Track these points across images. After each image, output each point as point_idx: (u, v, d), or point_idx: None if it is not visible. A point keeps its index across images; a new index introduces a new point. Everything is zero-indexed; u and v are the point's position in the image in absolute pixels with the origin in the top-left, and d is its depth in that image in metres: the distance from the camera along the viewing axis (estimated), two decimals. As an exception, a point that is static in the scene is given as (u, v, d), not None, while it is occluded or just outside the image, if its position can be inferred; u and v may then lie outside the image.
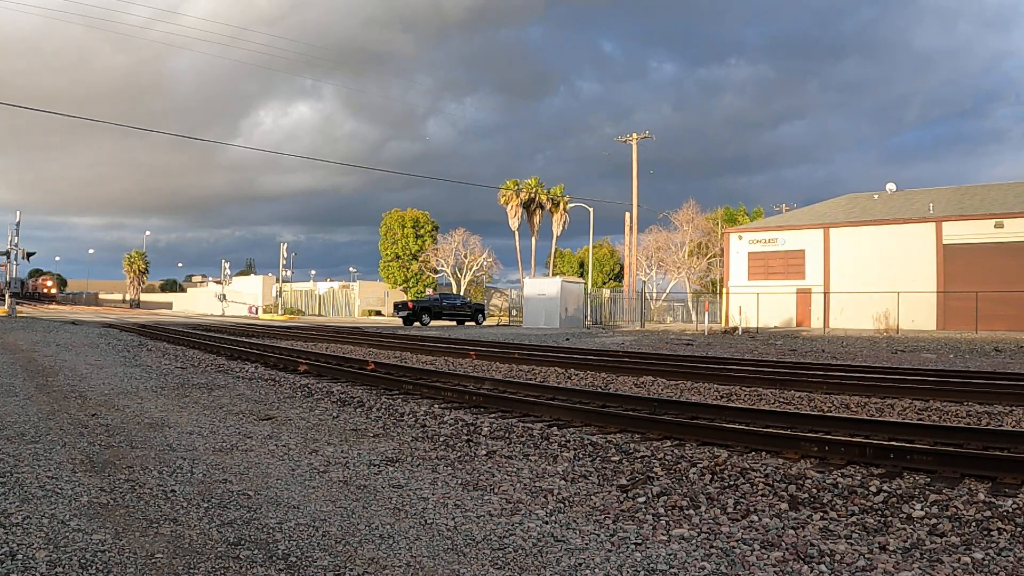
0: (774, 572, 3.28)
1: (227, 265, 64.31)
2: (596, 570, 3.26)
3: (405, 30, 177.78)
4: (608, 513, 4.16)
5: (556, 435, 6.39)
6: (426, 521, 3.93)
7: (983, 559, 3.43)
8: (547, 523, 3.94)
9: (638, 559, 3.40)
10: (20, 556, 3.21)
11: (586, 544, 3.60)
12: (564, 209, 57.10)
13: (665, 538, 3.73)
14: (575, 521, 4.00)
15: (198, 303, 74.60)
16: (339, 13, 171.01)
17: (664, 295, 54.81)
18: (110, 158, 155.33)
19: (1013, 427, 7.29)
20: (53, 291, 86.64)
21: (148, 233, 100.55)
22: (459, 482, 4.81)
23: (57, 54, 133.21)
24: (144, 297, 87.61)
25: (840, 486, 4.65)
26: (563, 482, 4.87)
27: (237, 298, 66.00)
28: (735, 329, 32.30)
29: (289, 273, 55.99)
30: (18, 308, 36.37)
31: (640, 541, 3.66)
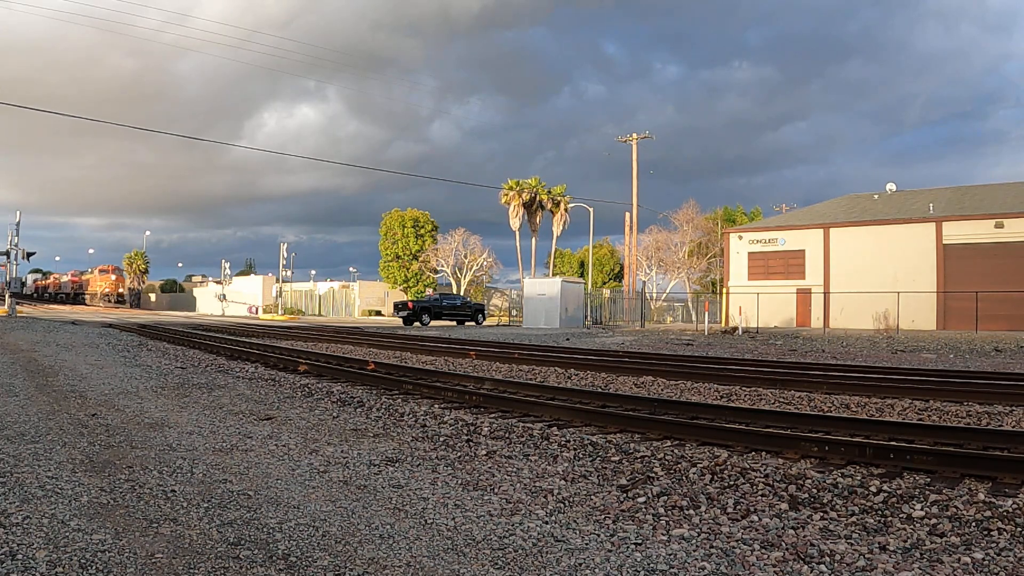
0: (774, 572, 3.28)
1: (227, 265, 64.41)
2: (596, 570, 3.26)
3: (412, 34, 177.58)
4: (608, 513, 4.16)
5: (556, 435, 6.39)
6: (426, 521, 3.94)
7: (983, 559, 3.43)
8: (547, 523, 3.94)
9: (638, 559, 3.40)
10: (20, 556, 3.21)
11: (586, 544, 3.60)
12: (565, 209, 57.05)
13: (665, 538, 3.73)
14: (575, 521, 4.00)
15: (198, 303, 74.56)
16: (347, 18, 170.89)
17: (664, 295, 54.80)
18: (113, 159, 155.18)
19: (1013, 427, 7.29)
20: (121, 290, 61.50)
21: (148, 233, 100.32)
22: (459, 482, 4.81)
23: (66, 57, 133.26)
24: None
25: (840, 486, 4.65)
26: (563, 482, 4.87)
27: (237, 298, 65.95)
28: (735, 329, 32.29)
29: (289, 273, 56.00)
30: (18, 308, 36.36)
31: (640, 541, 3.66)
